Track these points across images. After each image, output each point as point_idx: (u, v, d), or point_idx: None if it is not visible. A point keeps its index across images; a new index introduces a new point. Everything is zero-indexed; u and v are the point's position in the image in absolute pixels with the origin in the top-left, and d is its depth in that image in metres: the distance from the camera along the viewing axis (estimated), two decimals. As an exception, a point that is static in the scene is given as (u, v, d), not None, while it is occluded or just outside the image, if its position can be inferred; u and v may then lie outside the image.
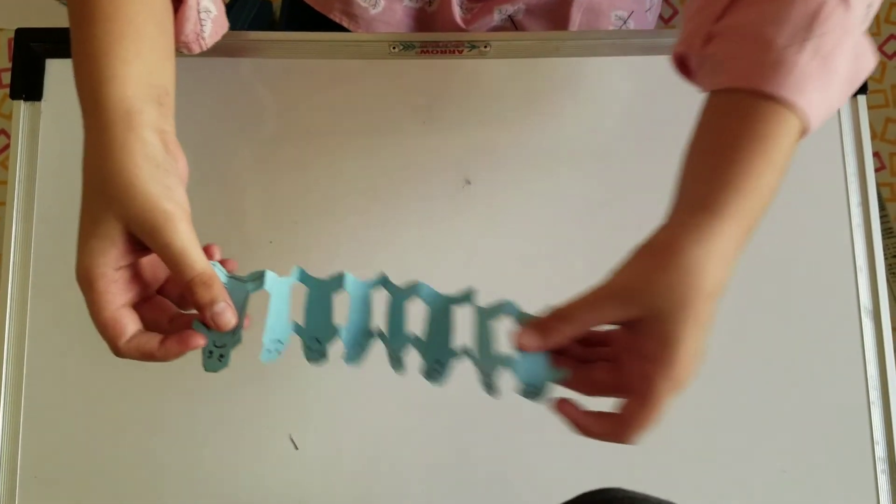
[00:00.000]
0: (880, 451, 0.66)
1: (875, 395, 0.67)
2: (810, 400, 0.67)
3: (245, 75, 0.71)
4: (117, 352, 0.48)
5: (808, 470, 0.66)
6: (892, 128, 1.65)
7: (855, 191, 0.70)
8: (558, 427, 0.66)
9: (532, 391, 0.50)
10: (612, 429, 0.47)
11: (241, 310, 0.49)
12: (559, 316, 0.48)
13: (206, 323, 0.48)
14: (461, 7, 0.81)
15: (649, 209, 0.70)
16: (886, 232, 1.56)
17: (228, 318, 0.48)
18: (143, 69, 0.50)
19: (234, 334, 0.49)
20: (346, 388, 0.67)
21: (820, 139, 0.71)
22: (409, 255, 0.68)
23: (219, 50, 0.72)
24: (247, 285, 0.49)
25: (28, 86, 0.71)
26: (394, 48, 0.72)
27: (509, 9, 0.80)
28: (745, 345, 0.68)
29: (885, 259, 1.46)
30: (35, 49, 0.71)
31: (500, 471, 0.65)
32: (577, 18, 0.83)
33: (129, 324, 0.48)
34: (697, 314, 0.45)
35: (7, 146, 1.66)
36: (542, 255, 0.68)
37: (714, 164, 0.49)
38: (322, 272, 0.68)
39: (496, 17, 0.81)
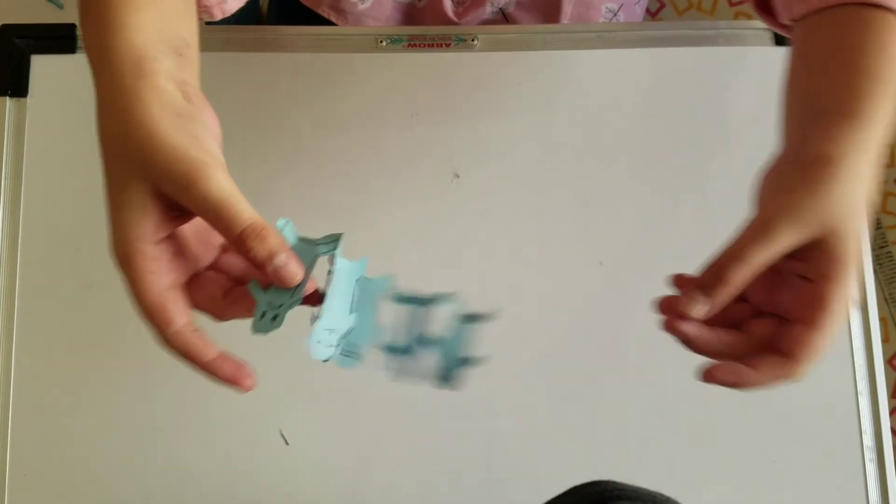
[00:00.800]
0: (868, 440, 0.67)
1: (863, 384, 0.67)
2: (799, 390, 0.67)
3: (231, 70, 0.71)
4: (163, 344, 0.42)
5: (798, 459, 0.66)
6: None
7: (842, 182, 0.70)
8: (548, 422, 0.66)
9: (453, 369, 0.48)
10: (779, 368, 0.43)
11: (306, 272, 0.42)
12: (724, 264, 0.43)
13: (269, 280, 0.41)
14: (453, 0, 0.81)
15: (639, 201, 0.70)
16: (873, 223, 1.57)
17: (293, 270, 0.41)
18: (157, 17, 0.44)
19: (294, 294, 0.42)
20: (336, 383, 0.67)
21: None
22: (397, 249, 0.68)
23: (203, 45, 0.71)
24: (318, 248, 0.44)
25: (13, 82, 0.70)
26: (381, 42, 0.72)
27: (501, 1, 0.80)
28: (734, 336, 0.68)
29: (872, 250, 1.47)
30: (19, 45, 0.71)
31: (491, 465, 0.65)
32: (568, 10, 0.83)
33: (177, 312, 0.41)
34: (858, 225, 0.44)
35: (-7, 144, 1.65)
36: (531, 248, 0.68)
37: (845, 74, 0.48)
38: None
39: (488, 10, 0.81)
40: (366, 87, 0.71)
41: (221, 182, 0.40)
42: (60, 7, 1.58)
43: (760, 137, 0.72)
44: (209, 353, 0.42)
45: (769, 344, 0.44)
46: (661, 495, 0.47)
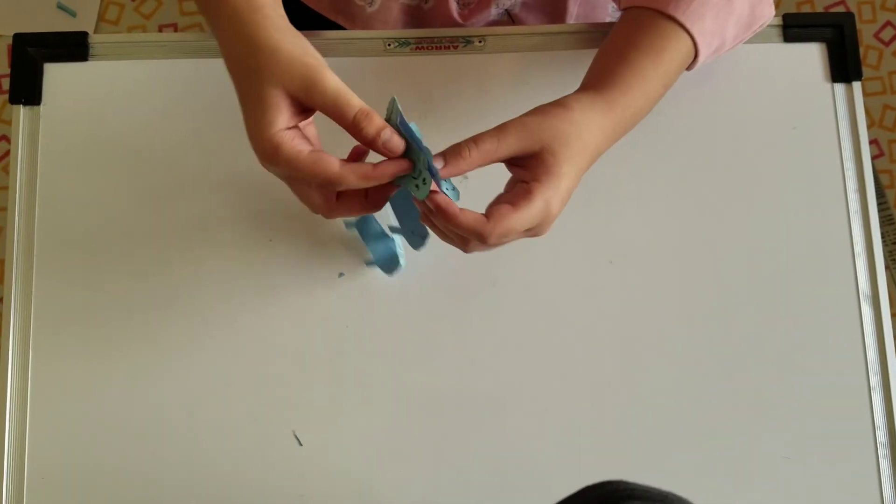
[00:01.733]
0: (882, 436, 0.66)
1: (875, 380, 0.67)
2: (811, 386, 0.67)
3: (242, 75, 0.71)
4: (339, 185, 0.52)
5: (811, 456, 0.66)
6: (889, 115, 1.64)
7: (852, 177, 0.70)
8: (558, 421, 0.67)
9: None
10: (477, 221, 0.54)
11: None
12: (465, 144, 0.54)
13: (379, 152, 0.52)
14: (458, 2, 0.81)
15: (647, 199, 0.70)
16: (886, 219, 1.55)
17: (397, 141, 0.52)
18: None
19: (418, 161, 0.53)
20: (349, 385, 0.67)
21: (815, 126, 0.71)
22: (406, 251, 0.68)
23: (215, 51, 0.72)
24: (391, 119, 0.53)
25: (26, 90, 0.71)
26: (389, 45, 0.73)
27: (506, 2, 0.81)
28: (745, 333, 0.68)
29: (885, 245, 1.45)
30: (32, 54, 0.71)
31: (503, 467, 0.66)
32: (573, 11, 0.83)
33: (330, 157, 0.51)
34: (575, 159, 0.56)
35: (8, 151, 1.66)
36: (540, 247, 0.68)
37: (613, 63, 0.61)
38: (322, 270, 0.69)
39: (493, 12, 0.81)
40: (373, 91, 0.71)
41: (333, 78, 0.51)
42: (73, 15, 1.59)
43: (769, 133, 0.72)
44: (371, 168, 0.52)
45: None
46: (673, 494, 0.47)
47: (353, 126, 0.51)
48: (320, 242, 0.68)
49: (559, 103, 0.58)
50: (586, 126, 0.57)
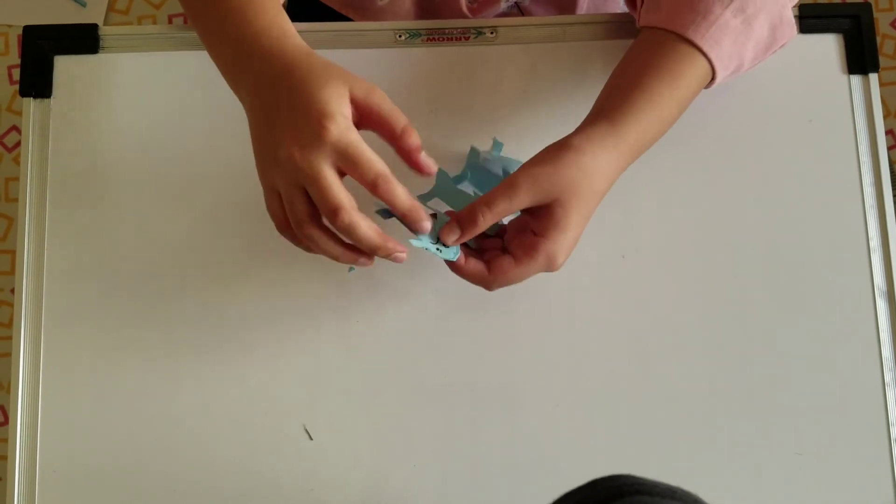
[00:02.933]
0: (896, 432, 0.66)
1: (890, 376, 0.66)
2: (825, 382, 0.67)
3: (252, 68, 0.71)
4: (356, 225, 0.54)
5: (824, 452, 0.66)
6: (906, 105, 1.63)
7: (868, 171, 0.70)
8: (569, 415, 0.66)
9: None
10: (481, 273, 0.57)
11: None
12: (477, 208, 0.56)
13: (417, 168, 0.56)
14: (467, -5, 0.80)
15: (661, 193, 0.70)
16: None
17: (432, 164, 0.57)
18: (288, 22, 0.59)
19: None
20: (360, 378, 0.67)
21: (831, 119, 0.71)
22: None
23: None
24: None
25: (37, 83, 0.71)
26: (400, 36, 0.72)
27: (515, -5, 0.80)
28: (759, 328, 0.67)
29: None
30: (43, 46, 0.71)
31: (512, 460, 0.66)
32: (584, 2, 0.82)
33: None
34: (585, 207, 0.57)
35: (19, 142, 1.67)
36: (552, 242, 0.68)
37: (626, 87, 0.59)
38: (332, 265, 0.68)
39: (503, 6, 0.80)
40: (385, 83, 0.71)
41: None
42: (83, 5, 1.59)
43: (784, 126, 0.71)
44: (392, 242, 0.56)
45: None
46: (681, 490, 0.47)
47: (401, 134, 0.54)
48: (331, 236, 0.68)
49: (569, 145, 0.57)
50: (598, 169, 0.57)
